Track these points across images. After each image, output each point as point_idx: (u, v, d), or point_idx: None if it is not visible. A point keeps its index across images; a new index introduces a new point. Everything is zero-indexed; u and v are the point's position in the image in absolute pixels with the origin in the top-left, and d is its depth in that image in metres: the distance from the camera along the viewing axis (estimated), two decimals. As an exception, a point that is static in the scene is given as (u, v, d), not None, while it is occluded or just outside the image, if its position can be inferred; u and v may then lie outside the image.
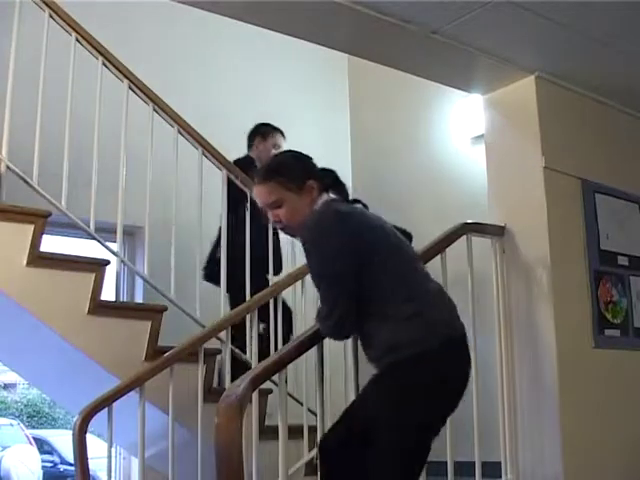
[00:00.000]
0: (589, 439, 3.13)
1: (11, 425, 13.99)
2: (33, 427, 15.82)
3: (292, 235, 2.39)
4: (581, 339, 3.25)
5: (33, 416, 16.91)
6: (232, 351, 3.45)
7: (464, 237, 3.15)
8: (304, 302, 3.62)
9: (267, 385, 3.04)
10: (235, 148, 4.22)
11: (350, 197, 2.63)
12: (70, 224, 3.37)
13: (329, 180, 2.41)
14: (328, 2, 2.77)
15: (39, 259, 3.10)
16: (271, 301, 3.54)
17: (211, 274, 3.77)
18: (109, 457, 3.03)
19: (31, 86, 3.26)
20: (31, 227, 3.08)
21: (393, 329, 2.16)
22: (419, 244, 2.69)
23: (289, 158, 2.39)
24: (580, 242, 3.36)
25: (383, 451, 2.13)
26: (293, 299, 3.73)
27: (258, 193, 2.29)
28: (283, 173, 2.26)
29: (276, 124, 5.25)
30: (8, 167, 3.22)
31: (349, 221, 2.19)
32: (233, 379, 2.54)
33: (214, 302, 3.64)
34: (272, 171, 2.29)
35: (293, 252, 4.00)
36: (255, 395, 2.96)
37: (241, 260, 3.60)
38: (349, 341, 2.57)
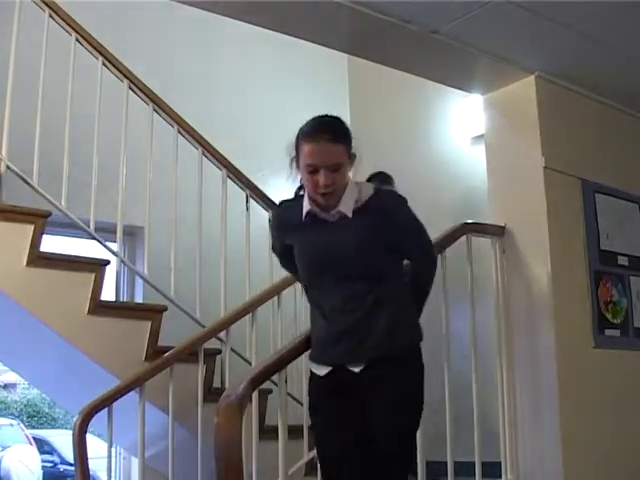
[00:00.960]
0: (589, 439, 3.13)
1: (11, 425, 13.99)
2: (33, 427, 15.82)
3: (327, 203, 2.21)
4: (581, 339, 3.25)
5: (33, 416, 16.91)
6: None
7: (464, 237, 3.15)
8: (303, 303, 3.62)
9: (267, 385, 3.04)
10: (235, 148, 4.22)
11: None
12: (70, 224, 3.37)
13: None
14: (328, 2, 2.77)
15: (39, 259, 3.10)
16: (274, 300, 3.54)
17: None
18: (109, 457, 3.03)
19: (31, 86, 3.26)
20: (31, 227, 3.08)
21: (409, 309, 2.27)
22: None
23: (347, 125, 2.28)
24: (580, 242, 3.36)
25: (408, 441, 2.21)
26: (293, 300, 3.73)
27: (325, 151, 2.14)
28: (350, 139, 2.22)
29: (276, 124, 5.26)
30: (8, 167, 3.22)
31: None
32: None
33: (214, 302, 3.64)
34: (343, 134, 2.22)
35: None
36: (255, 395, 2.96)
37: None
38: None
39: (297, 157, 2.23)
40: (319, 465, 2.25)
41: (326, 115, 2.27)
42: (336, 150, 2.16)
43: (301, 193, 2.33)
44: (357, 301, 2.19)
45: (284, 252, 2.39)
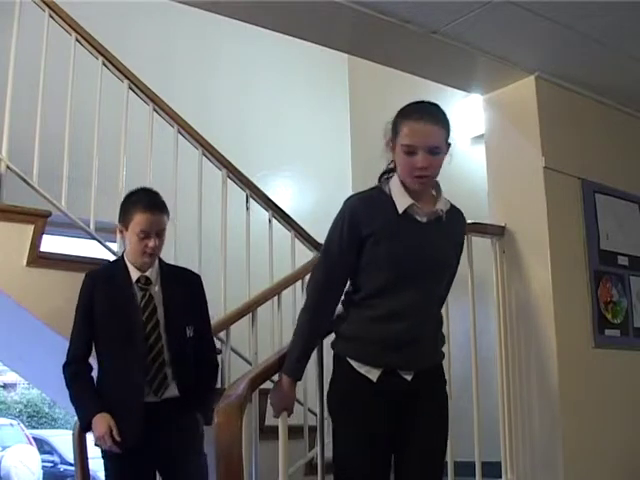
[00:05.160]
0: (589, 439, 3.13)
1: (11, 425, 14.01)
2: (33, 427, 15.84)
3: (420, 189, 2.14)
4: (581, 339, 3.25)
5: (33, 416, 16.92)
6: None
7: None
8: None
9: (267, 385, 3.03)
10: (235, 148, 4.22)
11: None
12: (70, 224, 3.37)
13: None
14: (328, 2, 2.77)
15: (39, 259, 3.09)
16: (274, 300, 3.54)
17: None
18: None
19: (31, 86, 3.26)
20: (31, 227, 3.08)
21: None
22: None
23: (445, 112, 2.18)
24: (580, 242, 3.36)
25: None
26: (293, 300, 3.73)
27: (430, 132, 2.07)
28: (449, 126, 2.14)
29: (276, 124, 5.26)
30: (8, 167, 3.22)
31: None
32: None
33: (214, 302, 3.63)
34: (446, 119, 2.13)
35: (293, 252, 4.01)
36: (255, 395, 2.96)
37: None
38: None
39: (394, 138, 2.14)
40: (342, 472, 2.14)
41: (425, 101, 2.20)
42: (439, 132, 2.09)
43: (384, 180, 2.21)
44: (433, 306, 2.21)
45: (348, 259, 2.15)
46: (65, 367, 2.59)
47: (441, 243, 2.18)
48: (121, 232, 2.66)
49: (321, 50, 3.42)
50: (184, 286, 2.70)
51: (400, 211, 2.12)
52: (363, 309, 2.16)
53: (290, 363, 2.19)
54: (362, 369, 2.12)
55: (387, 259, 2.11)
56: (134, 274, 2.61)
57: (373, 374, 2.11)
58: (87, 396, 2.53)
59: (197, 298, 2.74)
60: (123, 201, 2.67)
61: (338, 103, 5.57)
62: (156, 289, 2.62)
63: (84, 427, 2.52)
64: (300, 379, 2.22)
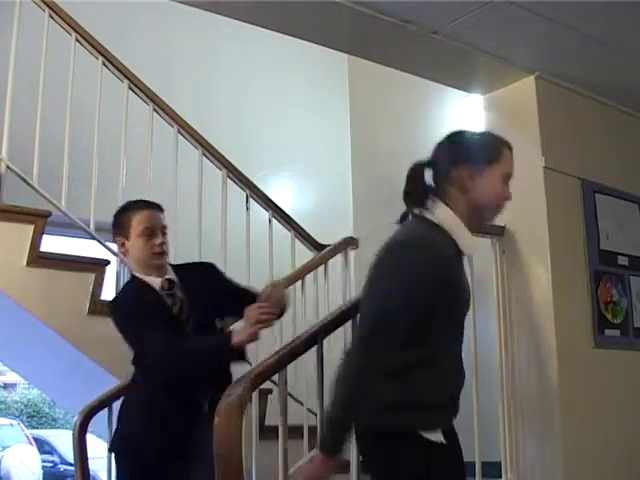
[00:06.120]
0: (589, 439, 3.13)
1: (11, 425, 14.02)
2: (33, 427, 15.85)
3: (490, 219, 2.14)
4: (581, 339, 3.25)
5: (33, 416, 16.94)
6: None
7: (464, 237, 3.14)
8: (304, 303, 3.63)
9: (267, 385, 3.04)
10: (235, 148, 4.22)
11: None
12: (70, 224, 3.37)
13: None
14: (328, 2, 2.77)
15: (39, 259, 3.10)
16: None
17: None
18: (109, 457, 3.03)
19: (31, 86, 3.26)
20: (31, 227, 3.08)
21: None
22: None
23: None
24: (580, 242, 3.36)
25: None
26: (293, 300, 3.73)
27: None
28: None
29: (276, 124, 5.25)
30: (8, 167, 3.22)
31: None
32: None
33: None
34: None
35: (293, 252, 4.01)
36: (255, 395, 2.96)
37: None
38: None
39: (489, 164, 2.03)
40: None
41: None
42: None
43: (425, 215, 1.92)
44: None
45: (412, 312, 1.78)
46: (164, 360, 2.39)
47: None
48: (123, 245, 2.55)
49: (321, 50, 3.42)
50: (202, 279, 2.58)
51: (468, 253, 1.90)
52: (428, 368, 1.82)
53: (326, 436, 1.85)
54: (430, 435, 1.78)
55: (456, 307, 1.90)
56: (155, 284, 2.50)
57: (438, 437, 1.79)
58: (207, 339, 2.42)
59: (218, 281, 2.63)
60: (115, 216, 2.58)
61: (338, 103, 5.57)
62: (179, 292, 2.53)
63: (237, 349, 2.39)
64: (337, 453, 1.79)
